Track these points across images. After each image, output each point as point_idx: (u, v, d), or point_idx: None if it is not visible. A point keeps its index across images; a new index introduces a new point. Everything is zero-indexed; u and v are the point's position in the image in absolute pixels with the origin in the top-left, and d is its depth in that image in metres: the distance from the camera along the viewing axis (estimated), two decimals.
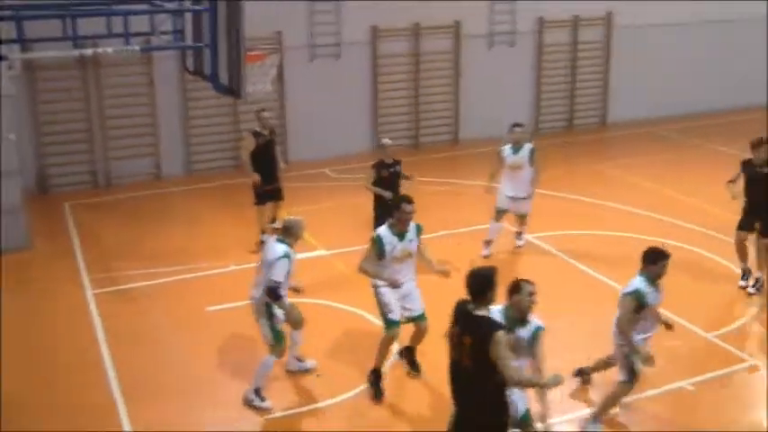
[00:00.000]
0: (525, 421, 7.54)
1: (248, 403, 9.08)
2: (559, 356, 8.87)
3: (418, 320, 9.31)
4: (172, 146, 17.56)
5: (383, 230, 9.03)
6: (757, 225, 11.73)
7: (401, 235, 9.01)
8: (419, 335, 9.45)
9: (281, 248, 8.92)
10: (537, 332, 7.46)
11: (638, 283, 8.31)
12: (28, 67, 15.47)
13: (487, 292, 6.76)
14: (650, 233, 12.96)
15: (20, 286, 12.17)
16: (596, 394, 9.12)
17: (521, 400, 7.46)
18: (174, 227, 14.81)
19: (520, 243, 13.43)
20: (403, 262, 9.08)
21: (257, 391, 9.06)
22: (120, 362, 9.98)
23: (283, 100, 18.09)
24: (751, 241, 11.88)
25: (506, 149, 12.94)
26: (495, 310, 7.16)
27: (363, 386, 9.40)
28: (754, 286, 11.80)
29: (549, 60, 20.68)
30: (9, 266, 12.50)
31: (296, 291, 9.30)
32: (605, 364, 9.21)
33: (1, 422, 8.65)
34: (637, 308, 8.24)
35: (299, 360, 9.78)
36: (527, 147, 12.91)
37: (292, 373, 9.71)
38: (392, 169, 12.30)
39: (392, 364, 9.74)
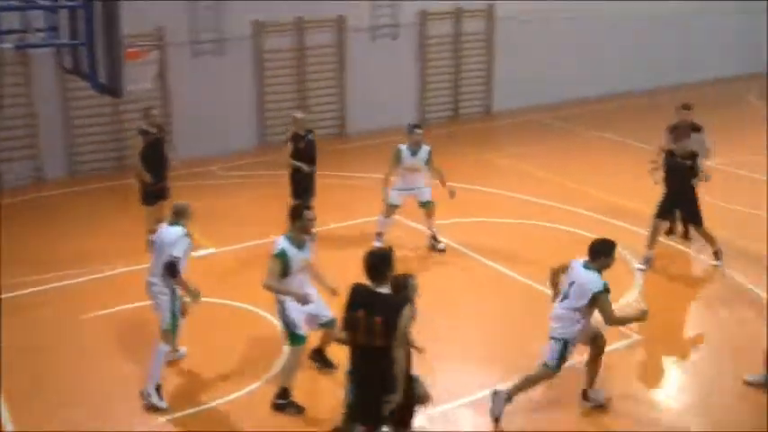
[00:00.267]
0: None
1: (146, 399, 8.91)
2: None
3: (329, 325, 9.10)
4: (53, 147, 17.04)
5: (285, 245, 8.64)
6: (679, 213, 12.22)
7: (301, 245, 8.77)
8: (330, 336, 9.24)
9: (178, 229, 9.04)
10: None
11: (596, 278, 8.38)
12: None
13: (385, 271, 6.99)
14: (545, 219, 13.25)
15: None
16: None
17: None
18: (61, 231, 14.32)
19: (440, 247, 13.06)
20: (304, 271, 8.92)
21: (158, 389, 8.92)
22: (5, 370, 9.62)
23: (168, 97, 17.80)
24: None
25: (404, 150, 12.75)
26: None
27: (257, 384, 9.36)
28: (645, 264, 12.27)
29: (432, 52, 20.96)
30: None
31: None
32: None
33: None
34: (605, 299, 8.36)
35: (174, 350, 9.63)
36: (425, 149, 12.78)
37: (179, 370, 9.63)
38: (307, 138, 12.88)
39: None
